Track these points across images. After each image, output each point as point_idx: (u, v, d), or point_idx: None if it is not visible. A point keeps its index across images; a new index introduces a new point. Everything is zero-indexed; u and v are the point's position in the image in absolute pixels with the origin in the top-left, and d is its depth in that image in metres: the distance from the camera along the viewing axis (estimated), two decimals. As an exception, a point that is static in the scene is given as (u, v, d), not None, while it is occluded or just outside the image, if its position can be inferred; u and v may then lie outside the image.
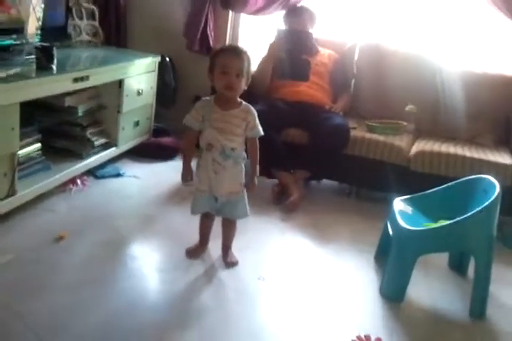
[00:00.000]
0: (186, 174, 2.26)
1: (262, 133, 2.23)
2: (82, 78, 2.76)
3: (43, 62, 2.58)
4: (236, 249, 2.44)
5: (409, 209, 2.44)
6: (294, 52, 3.41)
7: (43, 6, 2.84)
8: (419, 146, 3.13)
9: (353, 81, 3.69)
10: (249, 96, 3.32)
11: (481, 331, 2.09)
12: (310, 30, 3.48)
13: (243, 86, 2.15)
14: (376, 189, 3.27)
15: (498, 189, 2.16)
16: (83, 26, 3.66)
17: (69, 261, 2.20)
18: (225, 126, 2.15)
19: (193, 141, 2.26)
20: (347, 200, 3.28)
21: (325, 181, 3.36)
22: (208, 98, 2.21)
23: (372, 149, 3.11)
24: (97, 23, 3.76)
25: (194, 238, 2.41)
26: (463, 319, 2.15)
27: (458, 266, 2.51)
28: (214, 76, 2.12)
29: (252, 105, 3.25)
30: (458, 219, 2.13)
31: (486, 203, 2.12)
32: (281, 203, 3.01)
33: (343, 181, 3.36)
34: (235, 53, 2.12)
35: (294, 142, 3.20)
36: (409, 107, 3.40)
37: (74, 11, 3.58)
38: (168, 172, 3.30)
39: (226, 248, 2.37)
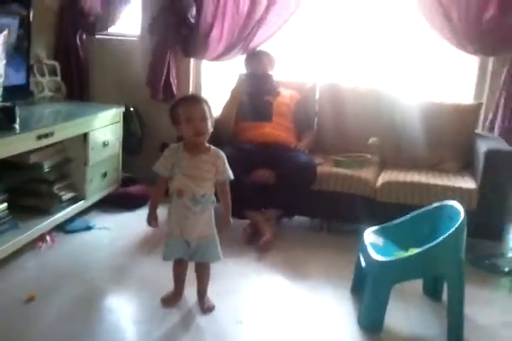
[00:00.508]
0: (151, 218, 2.30)
1: (231, 176, 2.29)
2: (47, 135, 2.78)
3: (5, 123, 2.60)
4: (213, 293, 2.43)
5: (379, 240, 2.47)
6: (256, 94, 3.50)
7: (4, 62, 2.87)
8: (384, 177, 3.19)
9: (315, 119, 3.78)
10: (215, 140, 3.41)
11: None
12: (270, 73, 3.57)
13: (210, 128, 2.23)
14: (346, 221, 3.31)
15: (462, 215, 2.21)
16: (45, 83, 3.70)
17: (41, 319, 2.16)
18: (196, 172, 2.21)
19: (162, 187, 2.29)
20: (319, 235, 3.30)
21: (296, 217, 3.38)
22: (176, 145, 2.27)
23: (339, 183, 3.16)
24: (59, 79, 3.81)
25: (168, 286, 2.38)
26: (442, 344, 2.16)
27: (432, 292, 2.53)
28: (180, 126, 2.20)
29: (220, 149, 3.33)
30: (427, 246, 2.17)
31: (452, 229, 2.16)
32: (254, 243, 3.02)
33: (314, 216, 3.39)
34: (195, 100, 2.22)
35: (262, 182, 3.24)
36: (372, 140, 3.48)
37: (35, 68, 3.63)
38: (137, 222, 3.26)
39: (202, 293, 2.36)
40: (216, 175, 2.24)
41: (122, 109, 3.66)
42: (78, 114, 3.24)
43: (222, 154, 2.28)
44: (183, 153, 2.20)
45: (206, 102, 2.23)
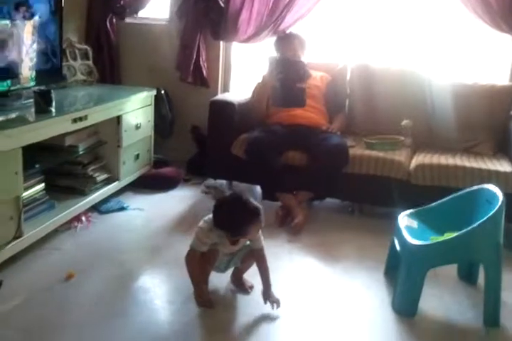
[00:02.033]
0: (203, 298, 2.20)
1: (262, 244, 2.26)
2: (81, 118, 2.81)
3: (42, 106, 2.64)
4: (246, 274, 2.45)
5: (414, 224, 2.45)
6: (288, 80, 3.44)
7: (35, 46, 2.91)
8: (418, 160, 3.15)
9: (346, 101, 3.74)
10: (246, 124, 3.43)
11: (496, 339, 2.09)
12: (301, 56, 3.52)
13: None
14: (379, 204, 3.29)
15: (501, 198, 2.17)
16: (77, 66, 3.73)
17: (80, 299, 2.21)
18: (233, 250, 2.24)
19: (199, 262, 2.17)
20: (350, 218, 3.29)
21: (327, 200, 3.37)
22: (217, 233, 2.15)
23: (372, 166, 3.13)
24: (91, 63, 3.84)
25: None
26: (477, 328, 2.15)
27: (468, 276, 2.51)
28: (245, 234, 2.16)
29: (249, 132, 3.35)
30: (464, 230, 2.14)
31: (491, 213, 2.12)
32: (287, 225, 3.03)
33: (346, 199, 3.38)
34: (260, 221, 2.15)
35: (294, 164, 3.23)
36: (404, 122, 3.43)
37: (68, 52, 3.66)
38: (170, 202, 3.34)
39: (241, 274, 2.38)
40: (250, 243, 2.24)
41: (153, 92, 3.68)
42: (110, 98, 3.25)
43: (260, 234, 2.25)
44: (225, 240, 2.16)
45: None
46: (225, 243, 2.16)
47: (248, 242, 2.24)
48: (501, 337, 2.10)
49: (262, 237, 2.23)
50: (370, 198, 3.24)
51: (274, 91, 3.45)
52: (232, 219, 2.09)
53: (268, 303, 2.19)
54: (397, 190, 3.05)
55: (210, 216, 2.16)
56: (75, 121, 2.76)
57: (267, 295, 2.19)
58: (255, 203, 2.12)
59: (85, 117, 2.85)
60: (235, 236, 2.13)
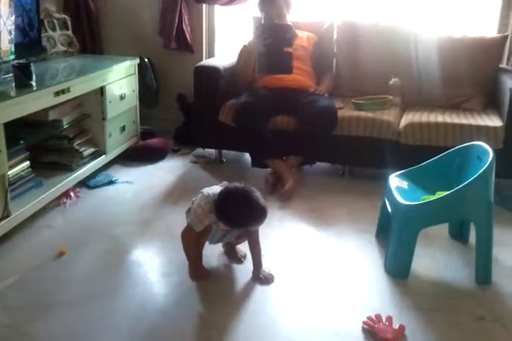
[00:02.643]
0: (198, 273, 2.20)
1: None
2: (63, 91, 2.75)
3: (22, 80, 2.57)
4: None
5: (405, 184, 2.43)
6: (275, 45, 3.31)
7: (13, 18, 2.81)
8: (407, 119, 3.11)
9: (334, 60, 3.67)
10: (232, 89, 3.36)
11: (489, 296, 2.10)
12: (287, 15, 3.42)
13: None
14: (369, 166, 3.27)
15: (491, 154, 2.15)
16: (57, 37, 3.62)
17: (73, 275, 2.20)
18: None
19: (195, 240, 2.16)
20: (341, 180, 3.28)
21: (318, 164, 3.35)
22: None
23: (361, 127, 3.10)
24: (70, 33, 3.73)
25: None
26: (470, 286, 2.16)
27: (459, 235, 2.51)
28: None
29: (236, 97, 3.29)
30: (455, 188, 2.12)
31: (481, 170, 2.10)
32: (277, 192, 3.01)
33: (336, 162, 3.35)
34: (264, 220, 2.08)
35: (282, 129, 3.19)
36: (393, 80, 3.37)
37: (46, 22, 3.55)
38: (159, 174, 3.31)
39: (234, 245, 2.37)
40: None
41: (136, 61, 3.59)
42: (93, 68, 3.17)
43: None
44: (222, 226, 2.09)
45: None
46: (221, 229, 2.13)
47: None
48: (493, 294, 2.11)
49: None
50: (360, 160, 3.21)
51: (261, 57, 3.32)
52: (235, 216, 2.02)
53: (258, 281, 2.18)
54: (388, 151, 3.03)
55: (210, 192, 2.09)
56: (57, 94, 2.70)
57: (257, 275, 2.18)
58: (263, 203, 2.02)
59: (68, 90, 2.78)
60: (233, 229, 2.11)
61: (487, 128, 2.93)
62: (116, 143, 3.36)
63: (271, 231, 2.58)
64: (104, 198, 2.95)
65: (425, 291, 2.14)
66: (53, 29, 3.62)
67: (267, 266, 2.25)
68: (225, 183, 2.17)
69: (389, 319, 1.90)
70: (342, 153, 3.20)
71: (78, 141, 3.09)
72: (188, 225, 2.14)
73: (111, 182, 3.12)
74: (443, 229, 2.54)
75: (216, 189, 2.11)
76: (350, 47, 3.58)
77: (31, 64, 2.62)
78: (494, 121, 2.99)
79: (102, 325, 1.89)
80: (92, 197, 2.95)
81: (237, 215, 2.02)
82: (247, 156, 3.37)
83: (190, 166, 3.46)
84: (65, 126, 2.98)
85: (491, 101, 3.29)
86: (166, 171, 3.35)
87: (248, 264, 2.27)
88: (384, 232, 2.44)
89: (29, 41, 3.02)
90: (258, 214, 2.02)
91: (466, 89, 3.32)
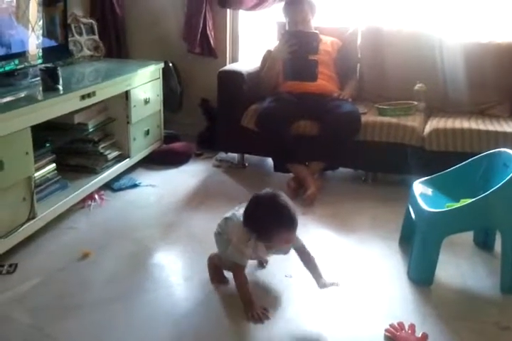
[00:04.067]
0: (258, 312, 1.97)
1: (302, 242, 2.10)
2: (89, 95, 2.79)
3: (49, 84, 2.62)
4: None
5: (429, 191, 2.40)
6: (300, 53, 3.28)
7: (41, 23, 2.86)
8: (432, 125, 3.08)
9: (358, 66, 3.65)
10: (256, 95, 3.36)
11: (514, 306, 2.07)
12: (311, 21, 3.41)
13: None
14: (392, 172, 3.24)
15: (517, 161, 2.12)
16: (84, 41, 3.68)
17: (96, 277, 2.22)
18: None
19: (245, 276, 2.04)
20: (364, 186, 3.25)
21: (340, 169, 3.34)
22: (252, 242, 1.98)
23: (384, 132, 3.07)
24: (97, 37, 3.78)
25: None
26: (495, 295, 2.13)
27: (484, 243, 2.47)
28: (269, 241, 1.98)
29: (260, 102, 3.29)
30: (481, 196, 2.09)
31: (509, 177, 2.07)
32: (299, 197, 3.00)
33: (359, 168, 3.33)
34: (296, 227, 1.96)
35: (305, 134, 3.19)
36: (418, 86, 3.35)
37: (73, 27, 3.61)
38: (182, 178, 3.32)
39: None
40: (293, 245, 2.07)
41: (161, 65, 3.62)
42: (118, 72, 3.21)
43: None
44: (263, 248, 2.01)
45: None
46: (262, 252, 2.03)
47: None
48: (519, 304, 2.08)
49: (298, 237, 2.07)
50: (383, 166, 3.19)
51: (286, 64, 3.32)
52: (262, 223, 1.93)
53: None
54: (411, 157, 3.00)
55: (238, 216, 2.03)
56: (83, 97, 2.74)
57: (322, 285, 2.02)
58: (293, 212, 1.93)
59: (93, 93, 2.82)
60: (261, 240, 1.98)
61: (513, 134, 2.89)
62: (140, 147, 3.39)
63: (293, 237, 2.57)
64: (127, 201, 2.97)
65: (449, 299, 2.11)
66: (80, 34, 3.67)
67: (289, 271, 2.25)
68: (243, 204, 2.07)
69: (411, 327, 1.88)
70: (365, 159, 3.18)
71: (103, 145, 3.13)
72: (234, 264, 2.02)
73: (134, 186, 3.15)
74: (468, 236, 2.51)
75: (240, 212, 2.04)
76: (374, 52, 3.56)
77: (58, 68, 2.66)
78: (520, 128, 2.95)
79: (123, 328, 1.90)
80: (116, 200, 2.98)
81: (263, 221, 1.92)
82: (270, 161, 3.37)
83: (212, 170, 3.48)
84: (90, 130, 3.02)
85: (518, 108, 3.25)
86: (189, 175, 3.37)
87: (271, 268, 2.27)
88: (408, 239, 2.41)
89: (56, 46, 3.07)
90: (285, 222, 1.92)
91: (492, 95, 3.28)
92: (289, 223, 1.93)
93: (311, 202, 2.95)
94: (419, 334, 1.85)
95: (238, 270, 2.02)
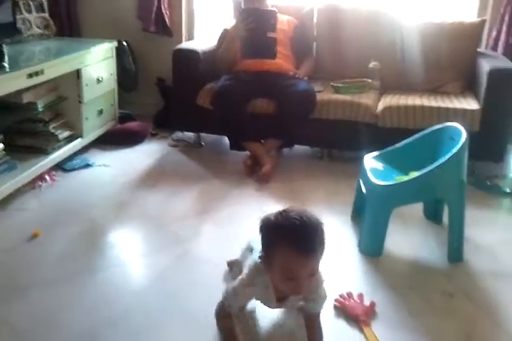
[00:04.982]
0: None
1: (320, 309, 1.69)
2: (37, 73, 2.71)
3: (-7, 62, 2.53)
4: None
5: (379, 165, 2.44)
6: (258, 30, 3.26)
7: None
8: (385, 102, 3.12)
9: (314, 44, 3.65)
10: (212, 72, 3.33)
11: (460, 273, 2.12)
12: (274, 8, 3.37)
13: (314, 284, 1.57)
14: (347, 149, 3.28)
15: (464, 135, 2.16)
16: (33, 19, 3.56)
17: (47, 257, 2.18)
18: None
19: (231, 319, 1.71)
20: (320, 163, 3.28)
21: (296, 147, 3.35)
22: (262, 281, 1.58)
23: (339, 110, 3.10)
24: (47, 15, 3.67)
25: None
26: (442, 264, 2.18)
27: (433, 215, 2.53)
28: (271, 269, 1.52)
29: (215, 80, 3.27)
30: (427, 168, 2.13)
31: (454, 150, 2.12)
32: (255, 174, 3.01)
33: (315, 145, 3.35)
34: (308, 252, 1.44)
35: (261, 112, 3.18)
36: (372, 64, 3.37)
37: (21, 4, 3.49)
38: (137, 157, 3.29)
39: None
40: (309, 300, 1.64)
41: (115, 44, 3.55)
42: (69, 51, 3.13)
43: (321, 282, 1.64)
44: (272, 296, 1.61)
45: (322, 247, 1.49)
46: (269, 297, 1.62)
47: (301, 302, 1.66)
48: (465, 272, 2.13)
49: (323, 299, 1.65)
50: (338, 143, 3.22)
51: (244, 42, 3.30)
52: (267, 233, 1.52)
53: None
54: (365, 134, 3.04)
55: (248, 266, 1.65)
56: (30, 76, 2.66)
57: None
58: (313, 236, 1.46)
59: (41, 72, 2.74)
60: (263, 261, 1.54)
61: (464, 111, 2.94)
62: (93, 127, 3.33)
63: (249, 214, 2.57)
64: (80, 181, 2.92)
65: (398, 269, 2.16)
66: (29, 11, 3.55)
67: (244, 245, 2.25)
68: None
69: (360, 296, 1.91)
70: (320, 136, 3.19)
71: (54, 124, 3.06)
72: (224, 305, 1.69)
73: (87, 166, 3.09)
74: (418, 210, 2.56)
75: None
76: (330, 31, 3.57)
77: (3, 45, 2.58)
78: (471, 104, 3.01)
79: (75, 306, 1.87)
80: (68, 181, 2.92)
81: (269, 237, 1.50)
82: (226, 140, 3.36)
83: (168, 150, 3.45)
84: (40, 109, 2.95)
85: (470, 85, 3.30)
86: (144, 155, 3.33)
87: (225, 246, 2.27)
88: (359, 213, 2.44)
89: (2, 23, 2.97)
90: (297, 235, 1.44)
91: (445, 72, 3.33)
92: (300, 242, 1.43)
93: (267, 179, 2.96)
94: (367, 303, 1.89)
95: (224, 315, 1.69)
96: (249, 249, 1.71)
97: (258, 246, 1.58)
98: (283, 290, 1.53)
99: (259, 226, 1.52)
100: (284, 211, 1.51)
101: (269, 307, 1.72)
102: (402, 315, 1.86)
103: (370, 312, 1.84)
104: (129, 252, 2.26)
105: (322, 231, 1.48)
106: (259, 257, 1.54)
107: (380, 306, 1.88)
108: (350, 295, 1.91)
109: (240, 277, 1.63)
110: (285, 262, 1.44)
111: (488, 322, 1.84)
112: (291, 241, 1.43)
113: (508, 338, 1.76)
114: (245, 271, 1.62)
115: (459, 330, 1.79)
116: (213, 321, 1.76)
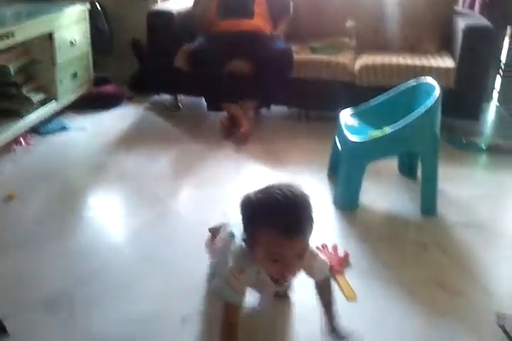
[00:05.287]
0: None
1: (327, 273, 1.54)
2: (7, 35, 2.65)
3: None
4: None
5: (355, 122, 2.45)
6: None
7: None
8: (362, 61, 3.11)
9: (291, 3, 3.60)
10: (187, 34, 3.28)
11: (433, 226, 2.17)
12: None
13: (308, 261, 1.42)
14: (325, 109, 3.27)
15: (438, 90, 2.17)
16: (1, -18, 3.46)
17: (22, 219, 2.17)
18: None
19: (236, 320, 1.46)
20: (298, 124, 3.28)
21: (275, 108, 3.34)
22: (252, 268, 1.41)
23: (317, 69, 3.09)
24: (16, -24, 3.57)
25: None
26: (415, 217, 2.23)
27: (408, 171, 2.56)
28: (255, 251, 1.36)
29: (191, 42, 3.22)
30: (401, 122, 2.14)
31: (426, 105, 2.13)
32: (233, 135, 3.00)
33: (292, 105, 3.34)
34: (294, 234, 1.28)
35: (238, 73, 3.15)
36: (349, 23, 3.35)
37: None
38: (113, 121, 3.25)
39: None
40: (312, 274, 1.50)
41: (87, 6, 3.47)
42: (40, 13, 3.05)
43: (316, 253, 1.49)
44: (267, 279, 1.43)
45: (310, 224, 1.32)
46: (265, 281, 1.45)
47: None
48: (437, 224, 2.17)
49: (323, 265, 1.51)
50: (316, 103, 3.21)
51: (221, 2, 3.26)
52: (248, 210, 1.36)
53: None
54: (343, 93, 3.03)
55: (232, 247, 1.49)
56: (1, 38, 2.60)
57: (336, 332, 1.53)
58: (299, 214, 1.29)
59: (12, 34, 2.68)
60: (248, 244, 1.39)
61: (439, 69, 2.94)
62: (68, 90, 3.28)
63: (227, 175, 2.59)
64: (55, 145, 2.89)
65: (372, 223, 2.20)
66: (-3, -28, 3.45)
67: (223, 207, 2.26)
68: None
69: (334, 248, 1.94)
70: (298, 96, 3.19)
71: (27, 87, 3.01)
72: (225, 303, 1.45)
73: (63, 129, 3.06)
74: (393, 166, 2.59)
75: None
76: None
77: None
78: (447, 62, 3.01)
79: (52, 266, 1.87)
80: (44, 144, 2.89)
81: (250, 215, 1.35)
82: (204, 102, 3.32)
83: (145, 113, 3.41)
84: (12, 73, 2.90)
85: (446, 43, 3.29)
86: (121, 118, 3.30)
87: (203, 207, 2.27)
88: (335, 170, 2.46)
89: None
90: (280, 212, 1.28)
91: (422, 31, 3.31)
92: (284, 223, 1.27)
93: (245, 140, 2.96)
94: (342, 254, 1.92)
95: (231, 311, 1.45)
96: (230, 235, 1.55)
97: (238, 232, 1.48)
98: (270, 273, 1.40)
99: (239, 205, 1.37)
100: (265, 187, 1.35)
101: (267, 293, 1.61)
102: (375, 266, 1.90)
103: (344, 262, 1.88)
104: (106, 212, 2.26)
105: (309, 206, 1.32)
106: (243, 240, 1.41)
107: (354, 257, 1.92)
108: (324, 246, 1.95)
109: (227, 269, 1.45)
110: (269, 245, 1.29)
111: (459, 271, 1.88)
112: (274, 222, 1.28)
113: (478, 286, 1.81)
114: (231, 259, 1.45)
115: (431, 279, 1.83)
116: (191, 275, 1.79)
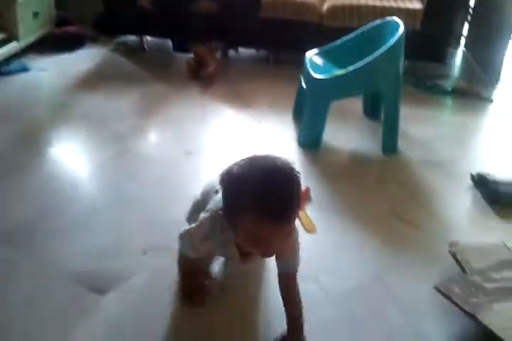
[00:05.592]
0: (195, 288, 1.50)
1: (297, 267, 1.37)
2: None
3: None
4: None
5: (320, 61, 2.44)
6: None
7: None
8: (330, 1, 3.07)
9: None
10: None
11: (394, 163, 2.22)
12: None
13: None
14: (293, 50, 3.23)
15: (401, 28, 2.16)
16: None
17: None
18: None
19: (193, 268, 1.50)
20: (266, 67, 3.26)
21: (243, 51, 3.30)
22: (219, 238, 1.28)
23: (286, 9, 3.06)
24: None
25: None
26: (377, 155, 2.27)
27: (371, 112, 2.58)
28: (235, 229, 1.21)
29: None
30: (363, 61, 2.14)
31: (389, 43, 2.13)
32: (199, 77, 2.97)
33: (260, 46, 3.32)
34: (281, 218, 1.13)
35: (205, 13, 3.08)
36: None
37: None
38: (77, 62, 3.18)
39: None
40: (280, 262, 1.36)
41: None
42: None
43: (295, 239, 1.34)
44: (235, 252, 1.33)
45: (297, 204, 1.16)
46: (231, 254, 1.35)
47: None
48: (397, 162, 2.22)
49: (298, 257, 1.36)
50: (284, 44, 3.18)
51: None
52: (230, 187, 1.18)
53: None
54: (311, 34, 3.01)
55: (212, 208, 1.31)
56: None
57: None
58: (284, 197, 1.11)
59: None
60: (225, 218, 1.20)
61: (407, 10, 2.94)
62: (29, 30, 3.16)
63: (192, 115, 2.58)
64: (16, 85, 2.82)
65: (334, 161, 2.24)
66: None
67: (188, 147, 2.26)
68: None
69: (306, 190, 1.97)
70: (266, 37, 3.15)
71: (-15, 26, 2.91)
72: (179, 252, 1.49)
73: (25, 70, 2.97)
74: (358, 109, 2.62)
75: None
76: None
77: None
78: (414, 4, 3.01)
79: (13, 202, 1.87)
80: (4, 84, 2.82)
81: (238, 183, 1.15)
82: (170, 44, 3.27)
83: (110, 54, 3.34)
84: (-31, 10, 2.78)
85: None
86: (85, 59, 3.22)
87: (168, 147, 2.27)
88: (300, 112, 2.46)
89: None
90: (266, 193, 1.11)
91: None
92: (271, 206, 1.10)
93: (211, 81, 2.93)
94: (302, 188, 1.94)
95: (185, 259, 1.48)
96: (214, 190, 1.38)
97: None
98: (249, 250, 1.26)
99: (220, 179, 1.19)
100: (249, 159, 1.19)
101: (233, 263, 1.49)
102: (335, 200, 1.95)
103: (305, 197, 1.91)
104: (68, 149, 2.25)
105: (297, 184, 1.15)
106: (221, 210, 1.22)
107: (315, 193, 1.95)
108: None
109: (196, 224, 1.34)
110: (254, 229, 1.14)
111: (416, 205, 1.94)
112: (259, 205, 1.11)
113: (434, 219, 1.87)
114: (202, 216, 1.32)
115: (388, 213, 1.89)
116: (151, 210, 1.81)
